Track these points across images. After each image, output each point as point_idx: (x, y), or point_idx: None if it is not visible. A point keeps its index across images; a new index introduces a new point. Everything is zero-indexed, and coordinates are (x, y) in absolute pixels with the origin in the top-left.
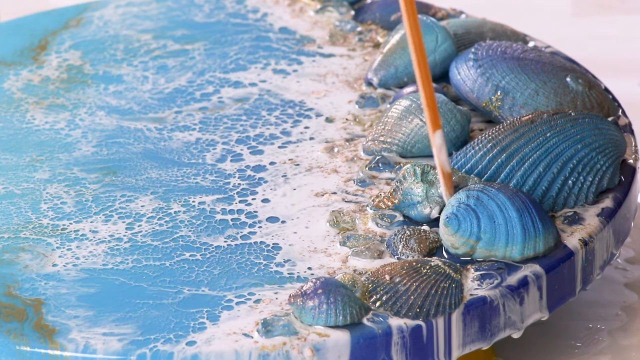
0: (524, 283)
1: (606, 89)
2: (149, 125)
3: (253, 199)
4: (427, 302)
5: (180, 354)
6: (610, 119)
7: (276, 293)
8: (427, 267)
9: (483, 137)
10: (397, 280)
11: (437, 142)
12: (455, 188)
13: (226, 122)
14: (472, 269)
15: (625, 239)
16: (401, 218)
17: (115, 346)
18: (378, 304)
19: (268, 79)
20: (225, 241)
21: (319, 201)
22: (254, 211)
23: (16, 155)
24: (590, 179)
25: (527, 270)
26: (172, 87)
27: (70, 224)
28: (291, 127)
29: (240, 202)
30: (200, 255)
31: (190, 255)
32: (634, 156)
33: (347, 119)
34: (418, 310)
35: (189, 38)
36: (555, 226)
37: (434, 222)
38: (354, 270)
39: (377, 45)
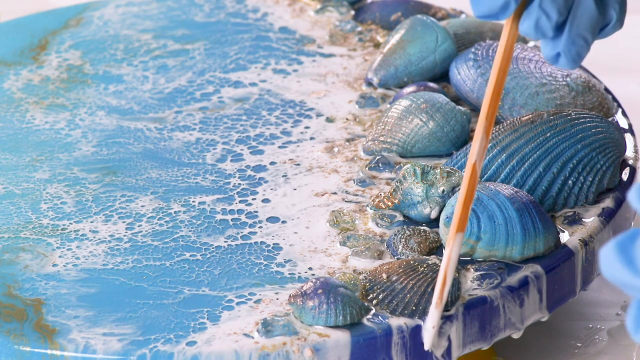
0: (524, 283)
1: (606, 89)
2: (149, 125)
3: (253, 199)
4: (423, 300)
5: (181, 355)
6: (610, 119)
7: (277, 293)
8: (425, 266)
9: None
10: (394, 278)
11: (457, 244)
12: (454, 189)
13: (226, 122)
14: (472, 269)
15: None
16: (401, 218)
17: (115, 346)
18: (375, 302)
19: (268, 79)
20: (225, 241)
21: (319, 201)
22: (255, 211)
23: (16, 155)
24: (591, 179)
25: (527, 270)
26: (172, 87)
27: (71, 224)
28: (291, 127)
29: (240, 202)
30: (201, 255)
31: (190, 256)
32: (634, 156)
33: (347, 119)
34: (414, 308)
35: (189, 38)
36: (555, 226)
37: (434, 222)
38: (354, 270)
39: (377, 45)
